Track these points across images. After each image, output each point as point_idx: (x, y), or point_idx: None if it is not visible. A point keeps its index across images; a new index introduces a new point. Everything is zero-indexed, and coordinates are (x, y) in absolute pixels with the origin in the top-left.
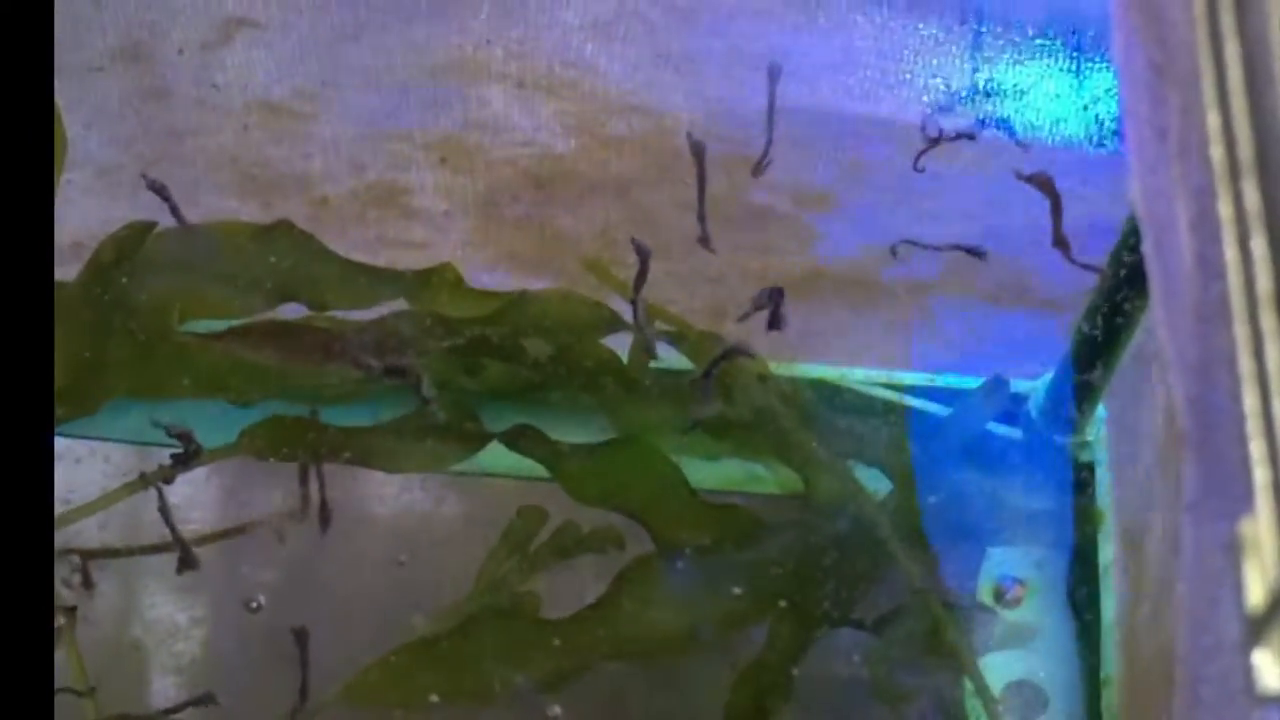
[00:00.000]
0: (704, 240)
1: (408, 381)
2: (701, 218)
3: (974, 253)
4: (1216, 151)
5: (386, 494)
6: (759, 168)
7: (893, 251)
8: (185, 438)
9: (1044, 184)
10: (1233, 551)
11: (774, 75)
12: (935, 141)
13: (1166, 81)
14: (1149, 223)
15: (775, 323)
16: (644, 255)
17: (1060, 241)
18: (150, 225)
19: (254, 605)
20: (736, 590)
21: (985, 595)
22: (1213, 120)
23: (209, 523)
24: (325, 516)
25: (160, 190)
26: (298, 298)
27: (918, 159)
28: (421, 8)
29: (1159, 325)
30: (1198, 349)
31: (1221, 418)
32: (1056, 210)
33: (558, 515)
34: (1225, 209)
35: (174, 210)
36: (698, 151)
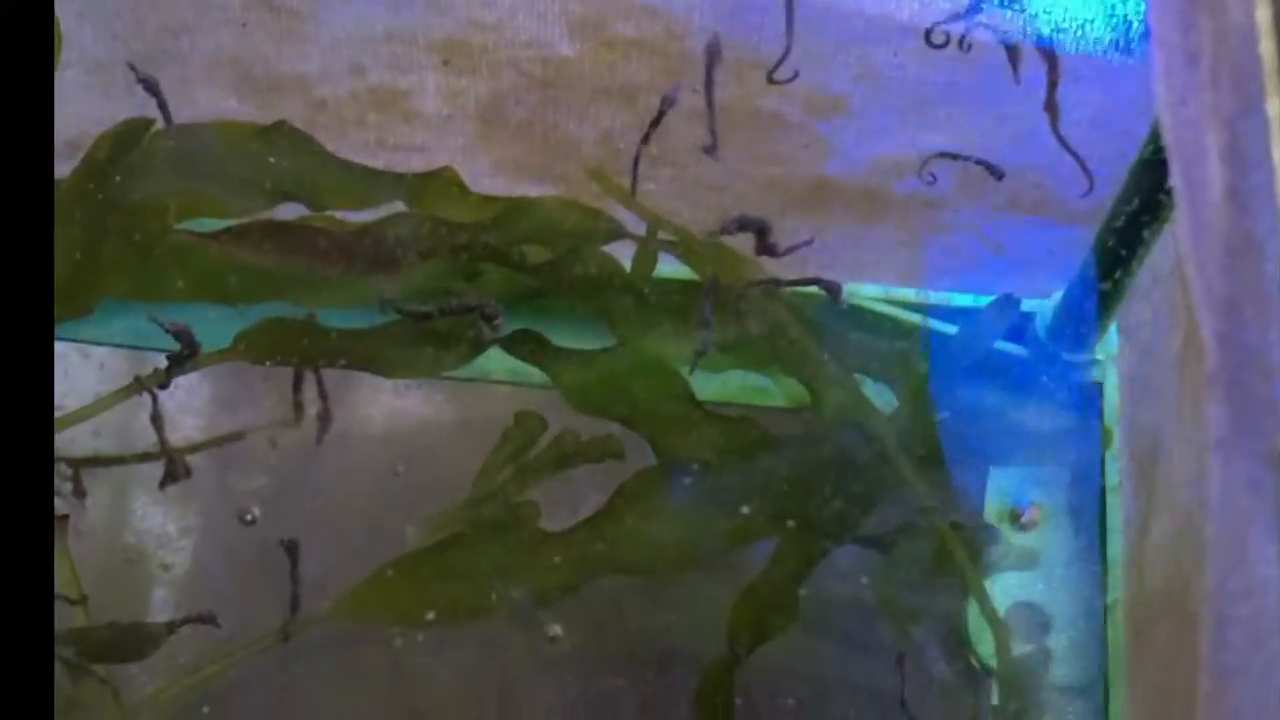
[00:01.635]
0: (711, 149)
1: (481, 315)
2: (711, 127)
3: (993, 171)
4: (1267, 47)
5: (381, 400)
6: (773, 74)
7: (929, 175)
8: (184, 334)
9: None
10: (1262, 490)
11: None
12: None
13: (1199, 6)
14: (1177, 154)
15: (767, 249)
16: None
17: (1051, 107)
18: (148, 123)
19: (249, 518)
20: (741, 506)
21: (1000, 518)
22: (1262, 15)
23: (202, 430)
24: (325, 422)
25: (150, 85)
26: (296, 198)
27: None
28: None
29: (1186, 260)
30: (1226, 284)
31: (1250, 355)
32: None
33: (557, 426)
34: (1274, 107)
35: (162, 106)
36: (712, 55)
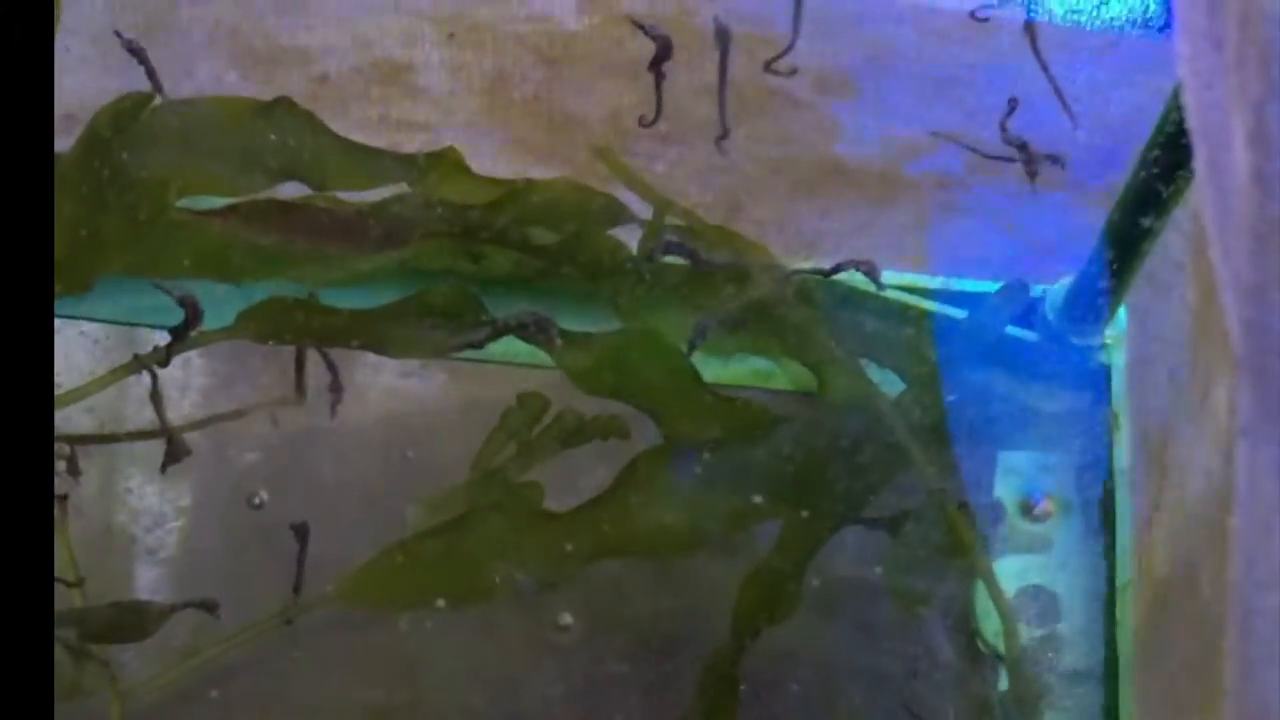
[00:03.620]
0: (723, 136)
1: (541, 334)
2: (722, 111)
3: (1055, 160)
4: None
5: (382, 381)
6: (774, 62)
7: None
8: (190, 305)
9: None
10: None
11: None
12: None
13: None
14: (1202, 137)
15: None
16: (663, 43)
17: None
18: (148, 96)
19: (256, 502)
20: (746, 488)
21: (1012, 509)
22: None
23: (199, 408)
24: (337, 394)
25: (137, 52)
26: (298, 177)
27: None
28: None
29: (1211, 245)
30: (1253, 270)
31: (1277, 340)
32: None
33: (561, 406)
34: None
35: (151, 75)
36: (723, 38)
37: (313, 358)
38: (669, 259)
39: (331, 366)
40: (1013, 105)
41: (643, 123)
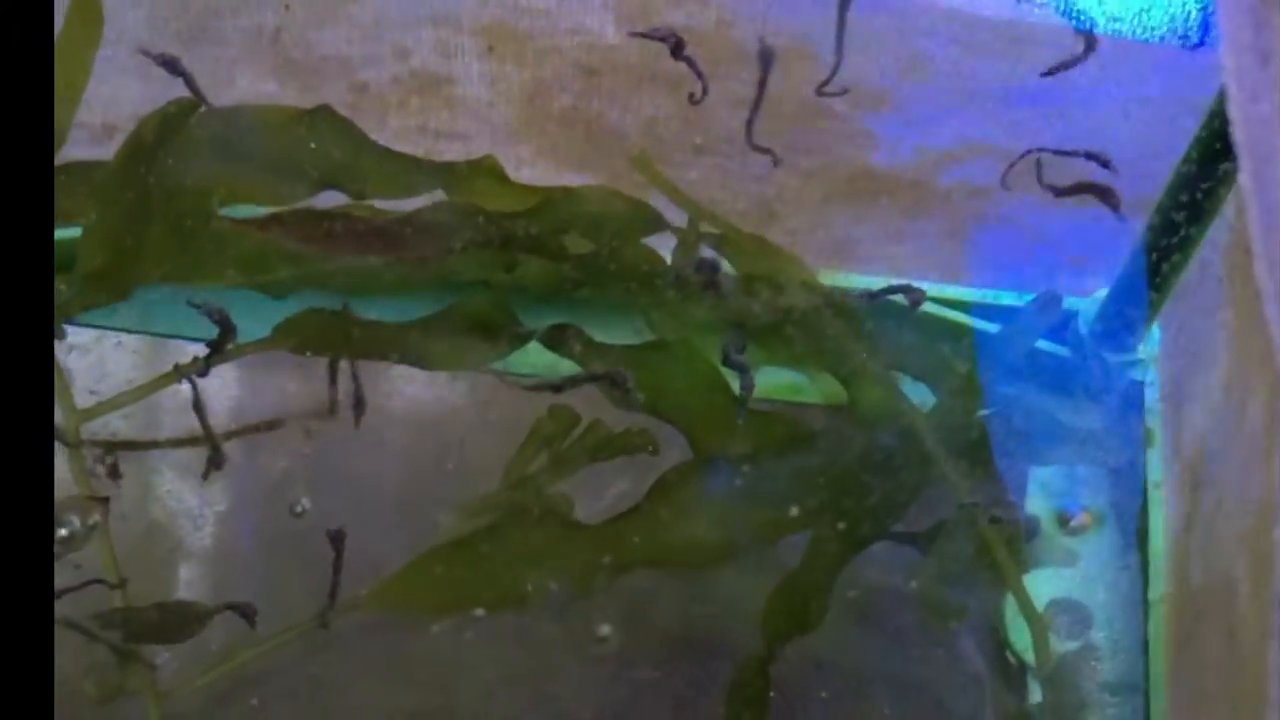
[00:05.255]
0: (755, 147)
1: (611, 383)
2: (750, 124)
3: (1102, 162)
4: None
5: (413, 392)
6: (824, 87)
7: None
8: (222, 318)
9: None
10: None
11: None
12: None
13: (1271, 4)
14: (1248, 152)
15: (712, 286)
16: (767, 57)
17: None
18: (194, 104)
19: (299, 510)
20: (777, 501)
21: (1049, 521)
22: None
23: (231, 417)
24: (360, 407)
25: (170, 65)
26: (337, 185)
27: (1058, 69)
28: None
29: (1256, 259)
30: None
31: None
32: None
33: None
34: None
35: (191, 86)
36: (766, 59)
37: (344, 368)
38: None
39: (356, 380)
40: (1106, 163)
41: (693, 100)
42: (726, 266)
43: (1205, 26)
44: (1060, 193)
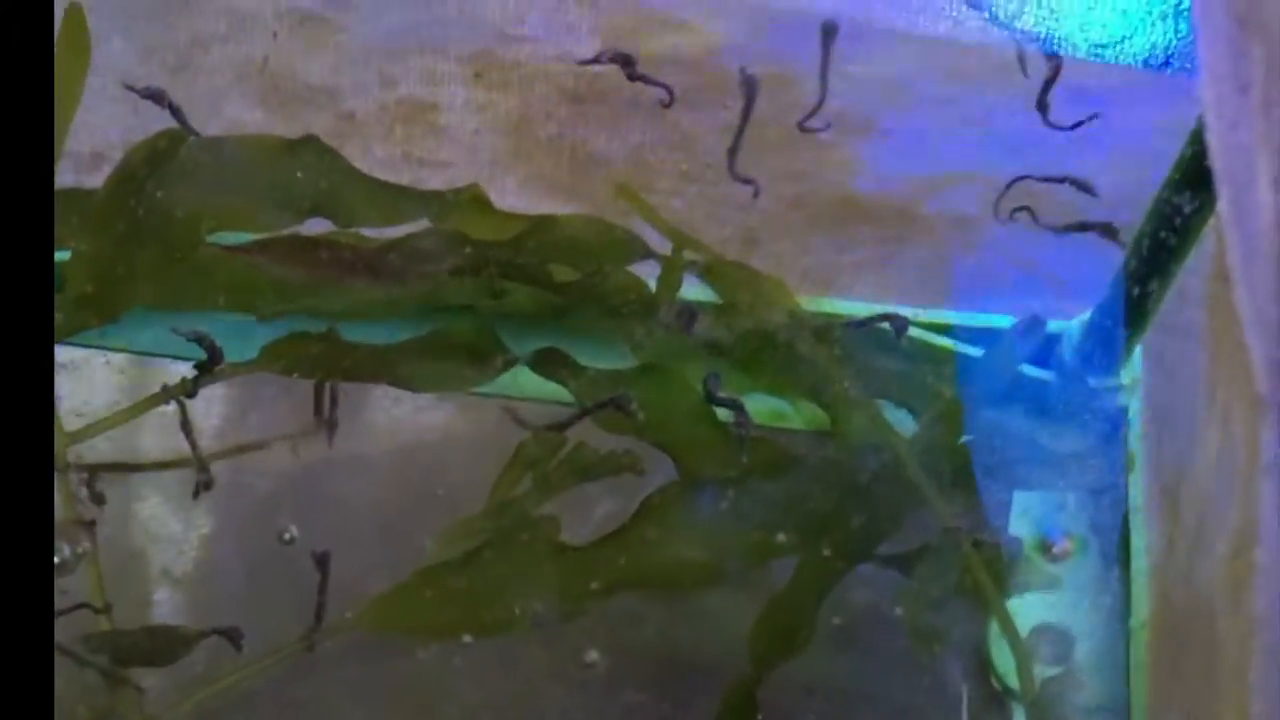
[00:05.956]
0: (736, 177)
1: (621, 410)
2: (733, 152)
3: (1084, 188)
4: None
5: (399, 414)
6: (805, 123)
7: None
8: (206, 343)
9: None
10: None
11: (829, 34)
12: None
13: (1250, 33)
14: (1227, 180)
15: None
16: (750, 87)
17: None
18: (183, 135)
19: (287, 537)
20: (762, 524)
21: (1030, 547)
22: None
23: (215, 438)
24: (333, 428)
25: (155, 98)
26: (323, 214)
27: (1042, 97)
28: None
29: (1235, 285)
30: (1278, 309)
31: None
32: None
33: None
34: None
35: (178, 117)
36: (750, 87)
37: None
38: (687, 295)
39: (334, 400)
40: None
41: (664, 104)
42: (712, 294)
43: (1185, 54)
44: (1062, 230)
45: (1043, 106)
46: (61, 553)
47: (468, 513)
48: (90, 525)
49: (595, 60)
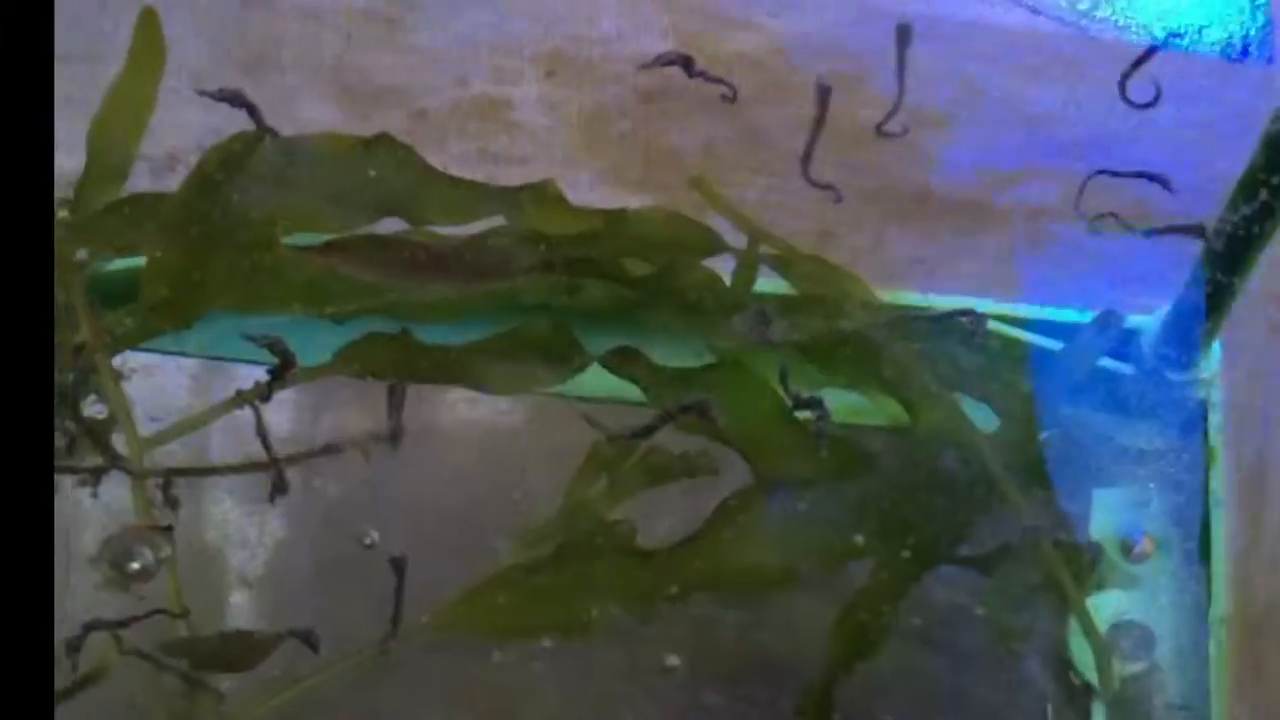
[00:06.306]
0: (813, 182)
1: (703, 416)
2: (806, 158)
3: (1161, 182)
4: None
5: (474, 416)
6: (882, 126)
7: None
8: (279, 347)
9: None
10: None
11: (904, 37)
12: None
13: None
14: None
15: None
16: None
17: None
18: (258, 137)
19: (367, 542)
20: (841, 528)
21: (1112, 549)
22: None
23: (289, 441)
24: (398, 434)
25: (230, 99)
26: (397, 213)
27: (1123, 81)
28: None
29: None
30: None
31: None
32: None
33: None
34: None
35: (255, 118)
36: (824, 95)
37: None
38: (762, 289)
39: (400, 404)
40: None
41: (725, 99)
42: (787, 287)
43: (1264, 43)
44: (1150, 234)
45: (1123, 87)
46: (143, 557)
47: (543, 515)
48: (168, 530)
49: (656, 63)
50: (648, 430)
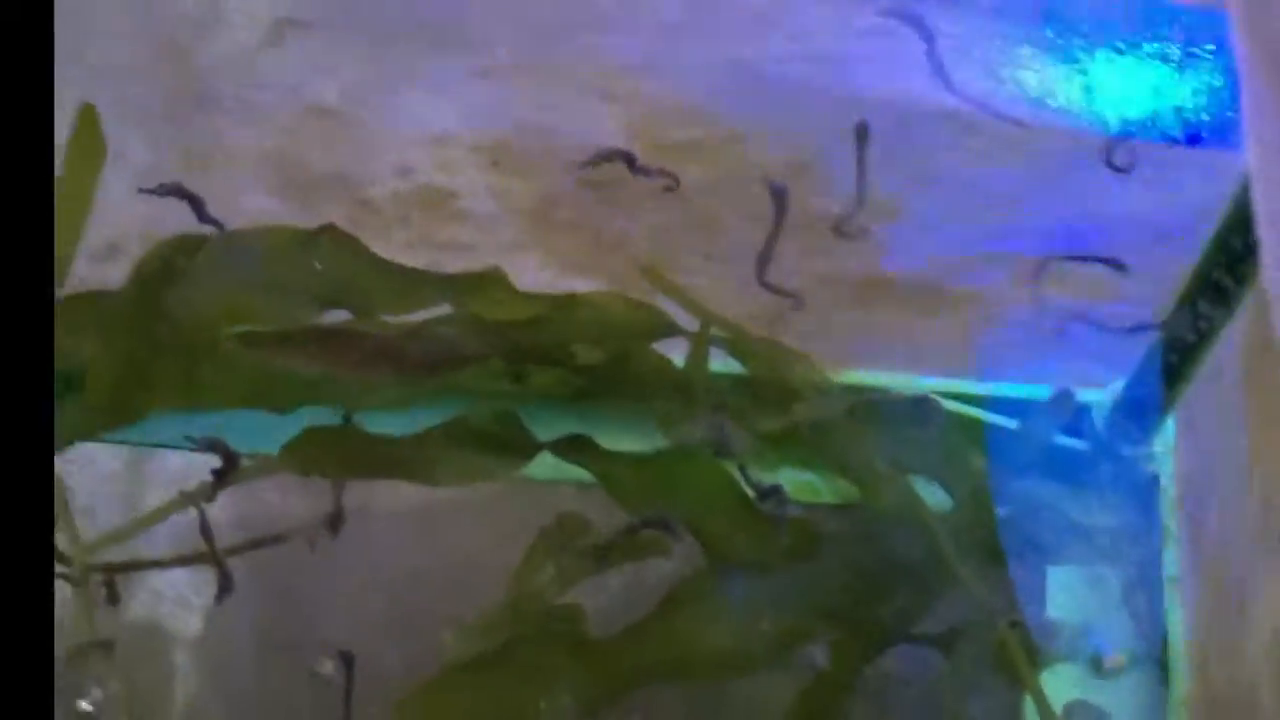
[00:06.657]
0: (769, 288)
1: (667, 530)
2: (763, 261)
3: (1117, 265)
4: None
5: (416, 500)
6: (842, 227)
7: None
8: (222, 449)
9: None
10: None
11: (862, 136)
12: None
13: None
14: (1271, 251)
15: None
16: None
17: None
18: (200, 240)
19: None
20: (796, 609)
21: (1083, 664)
22: None
23: (229, 527)
24: (338, 524)
25: (177, 192)
26: (342, 303)
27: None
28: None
29: None
30: None
31: None
32: None
33: (605, 525)
34: None
35: (197, 208)
36: (779, 198)
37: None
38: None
39: (340, 490)
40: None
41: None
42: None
43: (1218, 128)
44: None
45: (1109, 157)
46: (95, 697)
47: (489, 601)
48: (108, 646)
49: (597, 158)
50: (606, 547)
